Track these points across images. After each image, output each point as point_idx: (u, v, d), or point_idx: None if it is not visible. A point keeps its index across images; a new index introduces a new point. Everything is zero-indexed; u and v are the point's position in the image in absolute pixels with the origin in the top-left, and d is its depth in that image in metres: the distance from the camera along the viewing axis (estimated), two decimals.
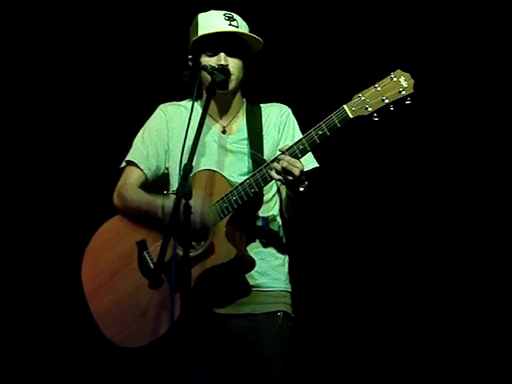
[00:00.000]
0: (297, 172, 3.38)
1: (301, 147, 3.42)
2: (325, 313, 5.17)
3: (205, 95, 3.62)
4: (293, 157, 3.41)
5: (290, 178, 3.39)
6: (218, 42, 3.61)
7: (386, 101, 3.35)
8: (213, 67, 3.52)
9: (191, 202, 3.17)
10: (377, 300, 5.17)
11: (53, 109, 5.30)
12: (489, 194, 5.08)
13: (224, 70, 3.54)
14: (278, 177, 3.41)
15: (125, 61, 5.25)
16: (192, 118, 3.41)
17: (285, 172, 3.38)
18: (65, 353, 5.26)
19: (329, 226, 5.15)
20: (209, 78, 3.54)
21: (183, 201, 3.15)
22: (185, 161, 3.23)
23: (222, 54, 3.60)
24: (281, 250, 3.72)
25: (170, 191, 3.55)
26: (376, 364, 5.14)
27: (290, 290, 3.72)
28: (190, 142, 3.32)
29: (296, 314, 3.73)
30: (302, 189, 3.44)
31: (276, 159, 3.43)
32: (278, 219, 3.75)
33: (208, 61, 3.60)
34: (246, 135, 3.71)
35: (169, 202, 3.46)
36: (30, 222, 5.32)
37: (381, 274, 5.17)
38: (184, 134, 3.35)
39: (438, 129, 5.07)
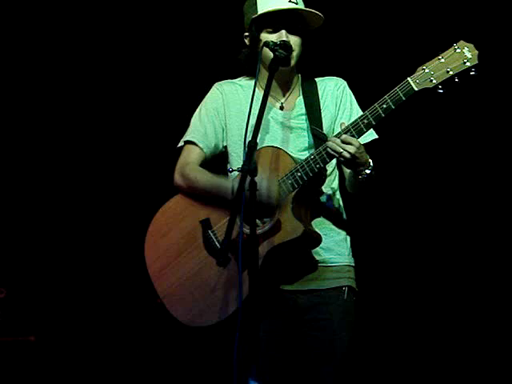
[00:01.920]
0: (352, 150, 3.36)
1: (365, 121, 3.40)
2: (387, 288, 5.17)
3: (263, 72, 3.61)
4: (357, 131, 3.40)
5: (348, 156, 3.37)
6: (279, 18, 3.57)
7: (451, 72, 3.31)
8: (275, 43, 3.49)
9: (257, 178, 3.16)
10: (436, 274, 5.16)
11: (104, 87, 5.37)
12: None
13: (286, 45, 3.51)
14: (335, 155, 3.41)
15: (179, 39, 5.25)
16: (247, 95, 3.42)
17: (337, 151, 3.37)
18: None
19: (389, 201, 5.13)
20: (269, 54, 3.51)
21: (249, 178, 3.14)
22: (249, 138, 3.21)
23: (284, 31, 3.57)
24: (342, 225, 3.70)
25: (235, 168, 3.53)
26: (441, 336, 5.15)
27: (353, 265, 3.71)
28: (252, 120, 3.30)
29: (360, 288, 3.71)
30: (368, 171, 3.43)
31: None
32: (338, 194, 3.73)
33: (269, 37, 3.56)
34: (303, 110, 3.69)
35: (237, 184, 3.38)
36: (92, 204, 5.40)
37: (439, 251, 5.17)
38: (242, 112, 3.39)
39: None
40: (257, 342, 3.15)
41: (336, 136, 3.42)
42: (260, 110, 3.30)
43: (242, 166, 3.18)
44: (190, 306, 3.59)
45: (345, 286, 3.64)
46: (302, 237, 3.45)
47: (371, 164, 3.45)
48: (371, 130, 3.58)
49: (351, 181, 3.64)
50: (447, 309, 5.14)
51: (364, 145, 3.51)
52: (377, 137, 3.65)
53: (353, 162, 3.41)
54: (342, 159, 3.41)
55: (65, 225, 5.41)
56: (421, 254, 5.17)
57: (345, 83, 3.76)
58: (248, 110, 3.35)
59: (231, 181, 3.55)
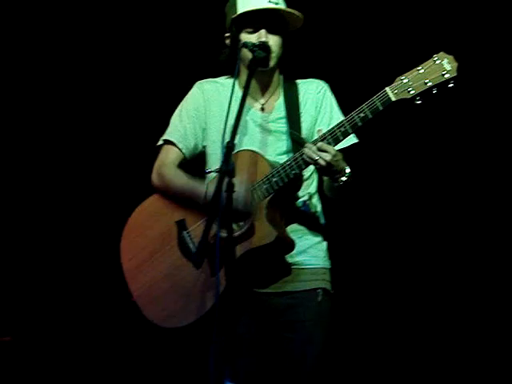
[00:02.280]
0: (327, 157, 3.36)
1: (342, 130, 3.40)
2: (364, 289, 5.18)
3: (243, 73, 3.60)
4: (334, 139, 3.40)
5: (323, 163, 3.37)
6: (259, 18, 3.57)
7: (429, 84, 3.31)
8: (254, 44, 3.49)
9: (234, 180, 3.16)
10: (415, 277, 5.17)
11: (87, 88, 5.35)
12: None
13: (265, 46, 3.51)
14: (311, 162, 3.40)
15: (162, 38, 5.24)
16: (228, 95, 3.39)
17: (313, 159, 3.37)
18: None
19: (367, 203, 5.13)
20: (249, 55, 3.51)
21: (226, 179, 3.14)
22: (227, 139, 3.21)
23: (263, 31, 3.57)
24: (319, 228, 3.70)
25: (213, 169, 3.53)
26: (417, 342, 5.15)
27: (329, 267, 3.71)
28: (230, 120, 3.29)
29: (336, 290, 3.71)
30: (344, 178, 3.43)
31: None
32: (316, 197, 3.73)
33: (248, 38, 3.57)
34: (284, 113, 3.68)
35: (212, 188, 3.37)
36: (69, 204, 5.37)
37: (418, 251, 5.17)
38: (223, 112, 3.36)
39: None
40: (232, 343, 3.19)
41: (312, 143, 3.41)
42: (238, 111, 3.30)
43: (220, 167, 3.17)
44: (162, 306, 3.58)
45: (320, 288, 3.63)
46: (275, 242, 3.45)
47: (347, 171, 3.45)
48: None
49: (328, 186, 3.64)
50: (428, 312, 5.14)
51: (344, 149, 3.53)
52: (357, 141, 3.65)
53: (328, 169, 3.40)
54: (317, 166, 3.41)
55: (42, 222, 5.38)
56: (402, 257, 5.18)
57: (326, 86, 3.75)
58: (227, 110, 3.34)
59: (205, 185, 3.54)
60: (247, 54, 3.52)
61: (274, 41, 3.58)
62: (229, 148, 3.17)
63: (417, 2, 5.01)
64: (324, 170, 3.43)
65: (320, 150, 3.37)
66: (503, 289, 5.05)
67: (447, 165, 5.11)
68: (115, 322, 5.19)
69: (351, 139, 3.61)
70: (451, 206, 5.13)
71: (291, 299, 3.60)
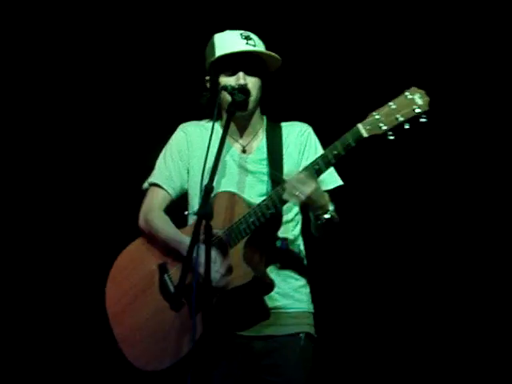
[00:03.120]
0: (307, 190, 3.34)
1: (316, 167, 3.38)
2: (348, 333, 5.14)
3: (224, 115, 3.60)
4: (309, 177, 3.38)
5: (303, 198, 3.35)
6: (236, 61, 3.59)
7: (401, 119, 3.28)
8: (233, 87, 3.51)
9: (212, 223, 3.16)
10: (400, 321, 5.14)
11: (74, 131, 5.34)
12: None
13: (244, 89, 3.53)
14: (289, 199, 3.38)
15: (143, 82, 5.26)
16: (212, 138, 3.39)
17: (293, 194, 3.36)
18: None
19: (350, 245, 5.11)
20: (228, 98, 3.53)
21: (204, 222, 3.13)
22: (205, 181, 3.21)
23: (241, 74, 3.59)
24: (302, 271, 3.69)
25: (191, 212, 3.53)
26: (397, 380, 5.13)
27: (312, 311, 3.69)
28: (210, 163, 3.30)
29: (319, 334, 3.69)
30: (327, 216, 3.42)
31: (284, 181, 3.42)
32: (300, 240, 3.72)
33: (227, 81, 3.59)
34: (265, 155, 3.69)
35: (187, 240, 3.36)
36: (54, 242, 5.34)
37: (404, 296, 5.14)
38: (204, 154, 3.35)
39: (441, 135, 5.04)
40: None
41: (292, 177, 3.39)
42: (217, 153, 3.31)
43: (198, 210, 3.18)
44: (144, 350, 3.57)
45: (302, 332, 3.61)
46: (253, 282, 3.43)
47: (330, 208, 3.44)
48: (335, 175, 3.63)
49: (313, 224, 3.61)
50: (417, 350, 5.13)
51: (329, 191, 3.55)
52: (341, 183, 3.65)
53: (309, 204, 3.40)
54: (298, 201, 3.38)
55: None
56: (389, 302, 5.16)
57: (310, 129, 3.76)
58: (206, 152, 3.34)
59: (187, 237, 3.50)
60: (227, 97, 3.54)
61: (252, 83, 3.60)
62: (207, 190, 3.17)
63: (388, 37, 5.07)
64: (305, 206, 3.42)
65: (300, 182, 3.35)
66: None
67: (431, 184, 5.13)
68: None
69: (336, 181, 3.63)
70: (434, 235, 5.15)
71: (274, 343, 3.57)
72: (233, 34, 3.65)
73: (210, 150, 3.34)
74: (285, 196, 3.38)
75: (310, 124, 3.78)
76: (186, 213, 3.59)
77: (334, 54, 5.14)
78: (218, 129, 3.61)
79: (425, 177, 5.10)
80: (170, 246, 3.60)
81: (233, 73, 3.60)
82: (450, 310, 5.10)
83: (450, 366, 5.07)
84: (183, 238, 3.54)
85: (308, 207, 3.44)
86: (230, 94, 3.50)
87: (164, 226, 3.67)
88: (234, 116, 3.52)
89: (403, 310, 5.13)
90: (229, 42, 3.61)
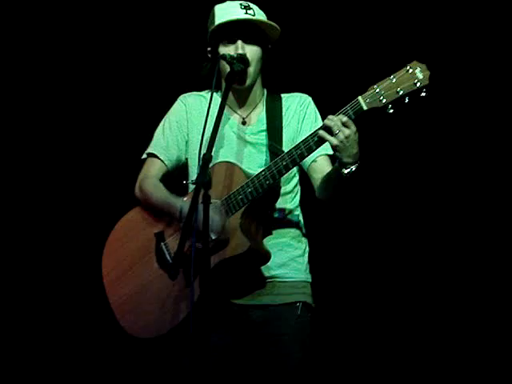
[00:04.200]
0: (347, 132, 3.31)
1: (315, 139, 3.40)
2: (346, 303, 5.18)
3: (224, 85, 3.62)
4: (307, 149, 3.40)
5: (342, 137, 3.32)
6: (235, 30, 3.61)
7: (401, 92, 3.31)
8: (231, 56, 3.52)
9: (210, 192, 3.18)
10: (397, 291, 5.17)
11: (76, 100, 5.37)
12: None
13: (243, 59, 3.54)
14: (326, 137, 3.35)
15: (147, 53, 5.27)
16: (211, 108, 3.41)
17: (333, 131, 3.33)
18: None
19: (350, 215, 5.14)
20: (227, 67, 3.54)
21: (202, 190, 3.15)
22: (204, 151, 3.22)
23: (240, 42, 3.60)
24: (300, 241, 3.72)
25: (189, 181, 3.55)
26: (395, 355, 5.15)
27: (309, 281, 3.72)
28: (209, 133, 3.31)
29: (317, 304, 3.72)
30: (353, 168, 3.38)
31: (315, 130, 3.40)
32: (298, 210, 3.74)
33: (226, 50, 3.60)
34: (265, 126, 3.70)
35: (187, 206, 3.35)
36: (51, 213, 5.37)
37: (402, 265, 5.17)
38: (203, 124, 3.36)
39: (443, 126, 5.05)
40: (207, 354, 3.15)
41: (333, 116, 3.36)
42: (215, 122, 3.33)
43: (196, 178, 3.19)
44: (138, 317, 3.60)
45: (299, 302, 3.64)
46: (248, 253, 3.46)
47: (358, 161, 3.40)
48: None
49: (330, 178, 3.57)
50: (413, 329, 5.16)
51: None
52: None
53: (344, 148, 3.34)
54: (334, 142, 3.33)
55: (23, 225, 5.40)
56: (387, 273, 5.19)
57: (309, 99, 3.78)
58: (204, 122, 3.36)
59: (181, 200, 3.56)
60: (226, 66, 3.56)
61: (251, 51, 3.61)
62: (205, 160, 3.19)
63: (392, 10, 5.06)
64: (340, 148, 3.34)
65: (341, 121, 3.34)
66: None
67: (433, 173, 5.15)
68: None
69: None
70: (437, 219, 5.16)
71: (270, 312, 3.60)
72: (233, 3, 3.67)
73: (209, 120, 3.34)
74: (321, 133, 3.36)
75: (311, 95, 3.78)
76: (185, 182, 3.60)
77: (335, 26, 5.13)
78: (218, 99, 3.60)
79: (425, 171, 5.12)
80: (161, 210, 3.62)
81: (231, 41, 3.62)
82: (448, 299, 5.13)
83: (447, 356, 5.12)
84: (173, 201, 3.57)
85: (339, 152, 3.36)
86: (228, 63, 3.51)
87: (155, 190, 3.69)
88: (233, 86, 3.55)
89: (400, 284, 5.17)
90: (228, 11, 3.63)
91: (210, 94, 3.67)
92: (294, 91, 3.81)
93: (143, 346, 3.65)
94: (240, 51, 3.59)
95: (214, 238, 3.41)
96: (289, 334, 3.60)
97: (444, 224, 5.12)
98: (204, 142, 3.29)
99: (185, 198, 3.56)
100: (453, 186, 5.10)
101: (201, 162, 3.20)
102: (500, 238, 5.07)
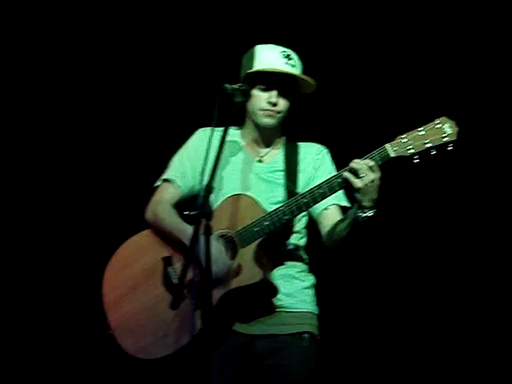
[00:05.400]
0: (372, 176, 3.39)
1: (339, 180, 3.48)
2: (352, 336, 5.20)
3: (247, 122, 3.76)
4: (331, 189, 3.48)
5: (367, 181, 3.38)
6: (274, 79, 3.68)
7: (429, 144, 3.42)
8: (233, 88, 3.51)
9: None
10: (405, 324, 5.20)
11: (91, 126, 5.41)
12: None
13: (245, 91, 3.55)
14: (350, 178, 3.42)
15: (169, 86, 5.34)
16: (227, 145, 3.47)
17: (358, 174, 3.40)
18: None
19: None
20: (254, 107, 3.67)
21: (204, 221, 3.19)
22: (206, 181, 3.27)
23: (274, 92, 3.69)
24: (307, 275, 3.77)
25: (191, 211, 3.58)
26: None
27: (316, 312, 3.74)
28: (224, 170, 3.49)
29: (323, 336, 3.74)
30: (371, 213, 3.44)
31: (340, 172, 3.49)
32: (304, 250, 3.79)
33: (259, 95, 3.68)
34: (282, 167, 3.77)
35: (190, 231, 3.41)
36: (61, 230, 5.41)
37: (408, 302, 5.20)
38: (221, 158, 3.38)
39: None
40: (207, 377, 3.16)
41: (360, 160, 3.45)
42: (218, 152, 3.35)
43: (198, 209, 3.22)
44: (139, 337, 3.63)
45: (306, 333, 3.67)
46: (260, 284, 3.51)
47: (374, 209, 3.46)
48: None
49: (344, 222, 3.61)
50: (419, 353, 5.17)
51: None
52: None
53: (365, 192, 3.40)
54: (358, 185, 3.40)
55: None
56: (391, 305, 5.23)
57: (326, 150, 3.84)
58: (216, 154, 3.36)
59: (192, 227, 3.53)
60: (253, 106, 3.68)
61: (283, 103, 3.70)
62: (207, 190, 3.23)
63: (421, 66, 5.13)
64: (362, 191, 3.41)
65: (367, 165, 3.42)
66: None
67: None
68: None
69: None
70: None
71: (276, 343, 3.62)
72: (274, 50, 3.73)
73: (221, 150, 3.38)
74: (346, 174, 3.43)
75: (329, 146, 3.87)
76: (186, 213, 3.50)
77: (360, 76, 5.21)
78: (237, 138, 3.78)
79: (425, 176, 5.10)
80: (172, 236, 3.66)
81: (267, 89, 3.69)
82: (453, 309, 5.16)
83: (453, 368, 5.12)
84: (187, 227, 3.59)
85: (361, 195, 3.41)
86: (229, 94, 3.49)
87: (169, 215, 3.72)
88: (256, 125, 3.72)
89: (407, 315, 5.18)
90: (269, 57, 3.69)
91: (230, 130, 3.70)
92: (314, 141, 3.89)
93: (142, 365, 3.68)
94: (273, 100, 3.67)
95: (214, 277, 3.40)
96: (295, 365, 3.61)
97: (443, 231, 5.17)
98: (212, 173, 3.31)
99: None
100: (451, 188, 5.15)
101: (203, 192, 3.24)
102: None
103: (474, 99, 5.02)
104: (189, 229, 3.55)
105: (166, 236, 3.72)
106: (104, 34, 5.35)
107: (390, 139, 3.48)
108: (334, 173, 3.67)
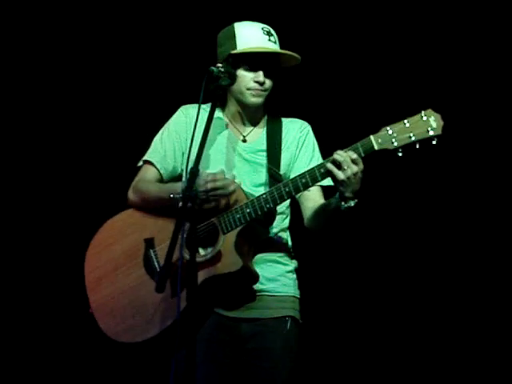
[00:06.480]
0: (355, 169, 3.34)
1: (322, 171, 3.43)
2: (334, 319, 5.19)
3: (229, 101, 3.72)
4: (313, 179, 3.44)
5: (349, 174, 3.34)
6: (259, 58, 3.63)
7: (413, 138, 3.34)
8: (219, 71, 3.49)
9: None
10: (386, 307, 5.20)
11: (77, 105, 5.40)
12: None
13: (231, 75, 3.53)
14: (333, 170, 3.37)
15: (152, 62, 5.31)
16: (206, 122, 3.41)
17: (341, 166, 3.35)
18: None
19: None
20: (240, 86, 3.61)
21: (189, 204, 3.18)
22: (191, 164, 3.25)
23: (261, 73, 3.65)
24: (289, 260, 3.75)
25: (176, 194, 3.51)
26: (385, 371, 5.17)
27: (298, 296, 3.74)
28: (206, 148, 3.37)
29: (304, 320, 3.74)
30: (352, 203, 3.41)
31: (323, 162, 3.43)
32: (287, 232, 3.77)
33: (245, 75, 3.63)
34: (264, 147, 3.74)
35: (178, 185, 3.48)
36: (40, 215, 5.39)
37: (391, 281, 5.20)
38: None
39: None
40: (194, 366, 3.15)
41: (342, 152, 3.39)
42: (203, 135, 3.34)
43: (183, 192, 3.22)
44: (119, 320, 3.61)
45: (288, 317, 3.66)
46: (240, 272, 3.49)
47: (356, 199, 3.44)
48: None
49: (326, 210, 3.60)
50: (401, 343, 5.18)
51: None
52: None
53: (349, 183, 3.37)
54: (341, 177, 3.36)
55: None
56: (373, 290, 5.23)
57: (309, 127, 3.81)
58: (201, 137, 3.35)
59: (181, 182, 3.57)
60: (238, 85, 3.61)
61: (268, 81, 3.66)
62: (192, 173, 3.21)
63: (411, 56, 5.10)
64: (345, 184, 3.37)
65: (350, 158, 3.36)
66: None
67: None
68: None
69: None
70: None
71: (259, 326, 3.62)
72: (255, 27, 3.68)
73: (207, 134, 3.36)
74: (329, 166, 3.38)
75: (313, 123, 3.83)
76: (171, 195, 3.51)
77: (351, 61, 5.19)
78: (221, 115, 3.73)
79: (422, 173, 5.13)
80: (163, 199, 3.57)
81: (253, 70, 3.64)
82: (445, 302, 5.15)
83: (445, 362, 5.13)
84: (173, 184, 3.60)
85: (344, 187, 3.38)
86: (215, 77, 3.47)
87: (152, 185, 3.70)
88: (240, 104, 3.68)
89: (391, 300, 5.19)
90: (252, 36, 3.64)
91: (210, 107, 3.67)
92: (297, 118, 3.85)
93: (125, 349, 3.64)
94: (261, 79, 3.63)
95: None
96: (277, 349, 3.61)
97: (435, 222, 5.17)
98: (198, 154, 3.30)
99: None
100: (448, 185, 5.14)
101: (188, 175, 3.22)
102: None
103: (461, 91, 5.03)
104: (175, 183, 3.57)
105: (150, 214, 3.68)
106: (88, 18, 5.35)
107: (376, 120, 3.42)
108: (317, 151, 3.70)
